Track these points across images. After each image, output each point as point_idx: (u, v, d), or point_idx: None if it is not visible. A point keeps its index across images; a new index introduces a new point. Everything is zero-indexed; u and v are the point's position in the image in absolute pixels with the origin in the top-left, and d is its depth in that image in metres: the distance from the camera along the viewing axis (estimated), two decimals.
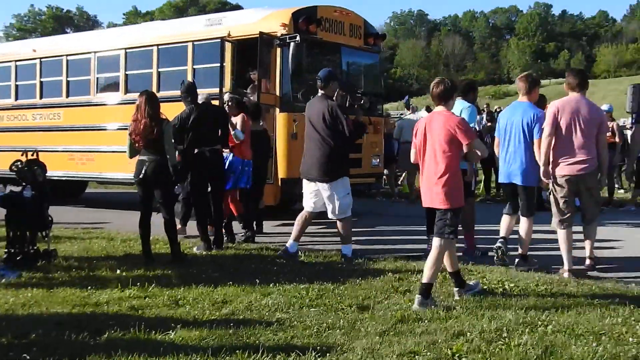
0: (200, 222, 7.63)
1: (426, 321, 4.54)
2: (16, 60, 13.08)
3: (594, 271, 6.49)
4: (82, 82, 12.02)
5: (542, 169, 6.34)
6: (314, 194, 7.05)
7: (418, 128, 5.35)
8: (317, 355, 3.74)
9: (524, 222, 6.65)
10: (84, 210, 12.66)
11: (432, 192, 5.15)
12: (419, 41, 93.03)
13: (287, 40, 9.02)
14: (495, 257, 6.71)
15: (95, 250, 7.64)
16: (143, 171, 6.82)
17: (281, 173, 9.55)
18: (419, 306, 4.88)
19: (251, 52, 9.34)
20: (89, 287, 5.65)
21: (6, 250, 6.81)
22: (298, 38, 8.89)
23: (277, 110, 9.49)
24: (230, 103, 8.41)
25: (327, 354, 3.78)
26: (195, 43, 10.24)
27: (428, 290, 4.99)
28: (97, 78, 11.79)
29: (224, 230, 8.00)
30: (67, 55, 12.21)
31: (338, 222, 7.05)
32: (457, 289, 5.30)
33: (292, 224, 9.66)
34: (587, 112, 6.21)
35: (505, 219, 6.86)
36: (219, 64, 9.47)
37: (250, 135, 8.42)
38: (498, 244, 6.71)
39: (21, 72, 13.04)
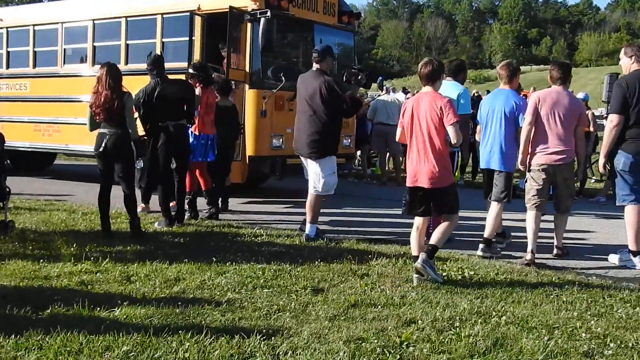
0: (163, 197, 7.49)
1: (379, 307, 4.48)
2: None
3: (561, 259, 6.53)
4: (49, 52, 11.71)
5: (520, 156, 6.44)
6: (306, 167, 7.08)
7: (406, 108, 5.43)
8: (261, 338, 3.65)
9: (493, 206, 6.68)
10: (51, 182, 12.41)
11: (421, 172, 5.25)
12: (401, 22, 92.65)
13: (258, 16, 8.81)
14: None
15: (54, 222, 7.47)
16: (103, 144, 6.66)
17: (249, 150, 9.40)
18: (422, 264, 5.14)
19: (222, 26, 9.14)
20: (42, 260, 5.52)
21: None
22: (269, 13, 8.68)
23: (247, 86, 9.31)
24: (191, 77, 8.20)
25: (273, 338, 3.70)
26: (164, 16, 9.97)
27: (434, 251, 5.27)
28: (65, 49, 11.47)
29: (187, 206, 7.89)
30: (34, 25, 11.87)
31: (310, 197, 6.93)
32: (424, 255, 5.19)
33: (260, 202, 9.61)
34: (567, 103, 6.31)
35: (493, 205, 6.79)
36: (187, 38, 9.25)
37: (219, 111, 8.26)
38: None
39: None
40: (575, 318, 4.41)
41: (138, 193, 7.88)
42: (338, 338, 3.76)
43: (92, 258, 5.57)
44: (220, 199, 8.71)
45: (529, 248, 6.27)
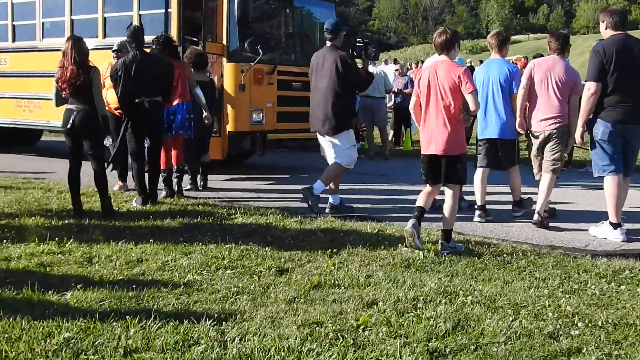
0: (137, 175, 7.33)
1: (342, 288, 4.36)
2: None
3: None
4: (27, 26, 11.44)
5: (517, 120, 6.70)
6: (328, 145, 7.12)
7: (421, 76, 5.53)
8: (212, 323, 3.53)
9: (511, 171, 6.99)
10: (35, 159, 12.25)
11: (436, 139, 5.38)
12: None
13: None
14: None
15: (27, 201, 7.33)
16: (71, 121, 6.50)
17: (229, 126, 9.23)
18: (442, 250, 5.34)
19: None
20: (5, 240, 5.40)
21: None
22: None
23: (225, 60, 9.10)
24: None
25: (224, 322, 3.57)
26: None
27: (449, 235, 5.45)
28: (43, 23, 11.21)
29: (165, 184, 7.74)
30: None
31: (333, 164, 7.07)
32: (442, 241, 5.45)
33: (241, 179, 9.46)
34: (562, 72, 6.51)
35: (479, 172, 7.05)
36: (164, 10, 9.02)
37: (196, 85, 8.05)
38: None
39: None
40: (545, 296, 4.28)
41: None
42: (292, 322, 3.63)
43: (56, 239, 5.43)
44: (198, 176, 8.56)
45: (539, 207, 6.61)
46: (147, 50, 7.37)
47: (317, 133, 7.21)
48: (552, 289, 4.46)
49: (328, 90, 6.85)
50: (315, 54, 7.17)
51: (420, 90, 5.49)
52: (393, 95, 14.93)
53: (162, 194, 7.67)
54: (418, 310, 3.90)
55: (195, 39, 9.40)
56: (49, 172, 9.92)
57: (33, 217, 6.35)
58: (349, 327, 3.62)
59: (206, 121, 8.00)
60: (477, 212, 6.94)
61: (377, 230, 6.14)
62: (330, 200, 7.19)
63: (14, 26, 11.65)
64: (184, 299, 4.00)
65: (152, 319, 3.55)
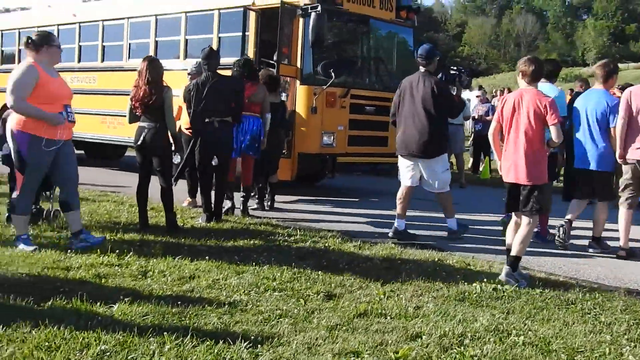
0: (204, 193, 7.48)
1: (389, 317, 4.23)
2: (58, 25, 13.19)
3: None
4: (115, 47, 12.05)
5: (617, 152, 6.60)
6: (411, 168, 7.19)
7: (505, 102, 5.47)
8: (247, 346, 3.50)
9: (600, 206, 6.91)
10: (116, 173, 12.77)
11: (516, 167, 5.33)
12: (489, 19, 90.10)
13: (309, 10, 8.67)
14: (556, 236, 6.98)
15: (99, 213, 7.61)
16: (142, 138, 6.71)
17: (299, 147, 9.28)
18: (505, 277, 5.24)
19: (276, 21, 9.05)
20: (70, 250, 5.59)
21: (8, 207, 6.85)
22: (319, 8, 8.52)
23: (298, 82, 9.19)
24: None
25: (260, 345, 3.54)
26: (221, 11, 10.00)
27: (516, 262, 5.32)
28: (130, 44, 11.76)
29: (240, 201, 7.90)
30: (103, 20, 12.24)
31: (439, 195, 7.23)
32: (507, 268, 5.35)
33: (309, 201, 9.47)
34: None
35: (574, 203, 7.05)
36: (241, 33, 9.22)
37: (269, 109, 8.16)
38: (562, 223, 6.97)
39: (63, 36, 13.15)
40: (607, 342, 3.98)
41: (182, 188, 7.95)
42: (329, 350, 3.55)
43: (117, 251, 5.58)
44: (266, 196, 8.65)
45: (622, 243, 6.63)
46: (225, 72, 7.54)
47: (400, 156, 7.25)
48: (616, 335, 4.15)
49: (425, 114, 6.91)
50: (407, 78, 7.19)
51: (503, 117, 5.43)
52: (472, 122, 14.62)
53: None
54: (463, 347, 3.73)
55: (272, 62, 9.55)
56: (126, 186, 10.26)
57: (101, 229, 6.56)
58: (387, 359, 3.50)
59: (263, 146, 8.05)
60: (589, 242, 7.04)
61: (436, 259, 5.97)
62: (396, 224, 7.15)
63: (103, 47, 12.26)
64: (226, 319, 3.99)
65: (189, 336, 3.55)
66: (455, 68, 7.52)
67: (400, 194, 7.20)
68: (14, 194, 5.82)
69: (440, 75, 7.25)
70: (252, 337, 3.63)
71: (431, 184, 7.14)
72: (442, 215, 7.48)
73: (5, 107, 13.82)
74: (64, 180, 5.85)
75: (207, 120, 7.24)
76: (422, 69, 7.05)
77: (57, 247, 5.74)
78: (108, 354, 3.31)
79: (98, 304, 4.11)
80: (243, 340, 3.55)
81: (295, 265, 5.38)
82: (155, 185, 6.92)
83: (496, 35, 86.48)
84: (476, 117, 14.46)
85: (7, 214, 6.76)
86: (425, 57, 7.01)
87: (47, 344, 3.39)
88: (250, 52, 9.29)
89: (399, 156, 7.27)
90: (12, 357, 3.20)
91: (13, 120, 5.60)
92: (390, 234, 7.08)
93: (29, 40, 5.63)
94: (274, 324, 3.96)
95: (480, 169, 15.21)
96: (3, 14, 17.48)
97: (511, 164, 5.36)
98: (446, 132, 7.40)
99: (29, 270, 4.88)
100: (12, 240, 5.88)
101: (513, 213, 5.55)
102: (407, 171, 7.20)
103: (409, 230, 7.17)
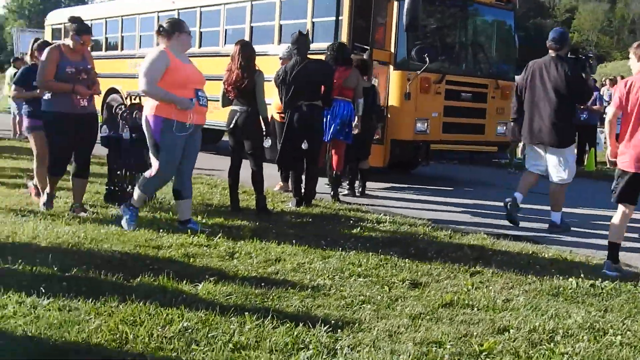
0: (294, 177, 7.51)
1: (475, 309, 4.07)
2: (158, 12, 13.61)
3: None
4: (212, 33, 12.27)
5: None
6: (539, 156, 6.99)
7: (631, 87, 5.14)
8: (327, 329, 3.44)
9: None
10: (213, 157, 13.06)
11: None
12: (601, 4, 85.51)
13: None
14: None
15: (193, 195, 7.77)
16: (234, 121, 6.81)
17: (392, 134, 9.14)
18: (605, 269, 5.15)
19: (370, 5, 8.91)
20: (161, 230, 5.74)
21: (107, 187, 7.16)
22: None
23: (391, 67, 9.02)
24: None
25: (340, 330, 3.48)
26: None
27: (615, 252, 5.24)
28: (226, 29, 11.95)
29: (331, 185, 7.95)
30: (200, 6, 12.50)
31: (557, 186, 6.91)
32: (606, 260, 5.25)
33: (401, 188, 9.33)
34: None
35: None
36: (334, 18, 9.15)
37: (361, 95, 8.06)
38: None
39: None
40: None
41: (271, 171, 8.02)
42: (410, 339, 3.44)
43: (207, 232, 5.68)
44: (357, 183, 8.59)
45: None
46: (316, 56, 7.51)
47: (528, 145, 7.08)
48: None
49: (557, 100, 6.68)
50: (536, 62, 6.93)
51: (630, 102, 5.10)
52: (577, 112, 13.89)
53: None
54: (553, 344, 3.52)
55: (365, 46, 9.43)
56: (221, 169, 10.48)
57: (193, 211, 6.70)
58: (470, 351, 3.35)
59: (356, 130, 7.95)
60: None
61: (531, 252, 5.70)
62: (552, 218, 6.98)
63: (200, 33, 12.53)
64: (308, 302, 3.96)
65: (269, 317, 3.55)
66: (583, 53, 7.28)
67: (525, 177, 7.09)
68: (147, 173, 5.84)
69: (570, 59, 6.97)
70: (333, 322, 3.58)
71: (557, 174, 6.82)
72: (541, 207, 7.15)
73: (109, 92, 14.46)
74: (181, 171, 5.87)
75: (295, 103, 7.25)
76: (552, 53, 6.80)
77: (150, 226, 5.91)
78: (190, 330, 3.35)
79: (184, 282, 4.19)
80: (323, 324, 3.51)
81: (382, 252, 5.29)
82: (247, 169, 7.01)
83: (609, 21, 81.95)
84: (582, 106, 13.72)
85: (105, 193, 7.06)
86: (557, 41, 6.79)
87: (132, 318, 3.49)
88: (344, 37, 9.19)
89: (527, 145, 7.10)
90: (98, 329, 3.30)
91: (147, 107, 5.70)
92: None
93: (161, 28, 5.72)
94: (356, 310, 3.89)
95: (585, 160, 14.47)
96: (107, 3, 18.20)
97: (638, 152, 5.05)
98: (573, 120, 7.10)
99: (122, 248, 5.05)
100: (111, 218, 6.13)
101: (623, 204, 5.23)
102: (536, 159, 7.00)
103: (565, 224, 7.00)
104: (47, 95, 6.13)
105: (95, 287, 3.99)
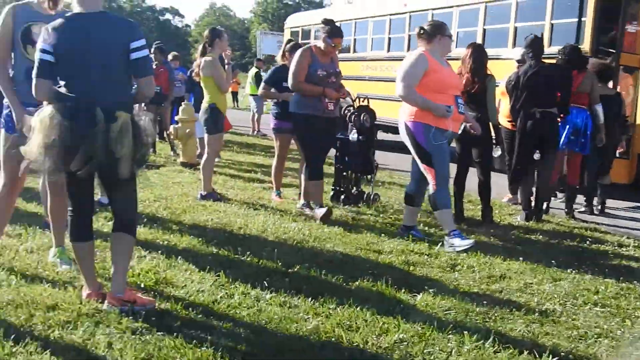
0: (524, 189, 7.03)
1: None
2: (390, 15, 13.82)
3: None
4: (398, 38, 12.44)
5: None
6: None
7: None
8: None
9: None
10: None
11: None
12: None
13: None
14: None
15: (400, 199, 7.65)
16: (461, 127, 6.54)
17: (639, 147, 8.18)
18: None
19: (618, 5, 8.07)
20: (382, 234, 5.69)
21: (333, 187, 7.32)
22: None
23: None
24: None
25: None
26: None
27: None
28: (457, 32, 11.61)
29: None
30: (432, 9, 12.37)
31: None
32: None
33: None
34: None
35: None
36: (577, 19, 8.43)
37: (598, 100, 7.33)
38: None
39: (393, 26, 13.80)
40: None
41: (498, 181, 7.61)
42: None
43: (425, 240, 5.52)
44: (595, 199, 7.82)
45: None
46: (550, 61, 6.97)
47: None
48: None
49: None
50: None
51: None
52: None
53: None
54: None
55: (611, 50, 8.57)
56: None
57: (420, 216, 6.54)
58: None
59: (598, 143, 7.19)
60: None
61: None
62: None
63: (389, 39, 12.83)
64: (534, 328, 3.60)
65: (490, 339, 3.28)
66: None
67: None
68: (430, 190, 5.51)
69: None
70: (563, 354, 3.22)
71: None
72: None
73: None
74: (417, 178, 5.72)
75: (528, 110, 6.76)
76: None
77: (372, 229, 5.89)
78: (405, 343, 3.22)
79: (402, 290, 4.07)
80: (551, 355, 3.15)
81: (624, 280, 4.69)
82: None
83: None
84: None
85: (332, 194, 7.19)
86: None
87: (348, 322, 3.44)
88: (587, 40, 8.44)
89: None
90: (316, 330, 3.30)
91: (405, 112, 5.58)
92: None
93: (422, 30, 5.61)
94: (590, 343, 3.45)
95: None
96: (342, 6, 18.75)
97: None
98: None
99: (344, 249, 5.08)
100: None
101: None
102: None
103: None
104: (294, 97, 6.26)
105: (315, 286, 4.03)
